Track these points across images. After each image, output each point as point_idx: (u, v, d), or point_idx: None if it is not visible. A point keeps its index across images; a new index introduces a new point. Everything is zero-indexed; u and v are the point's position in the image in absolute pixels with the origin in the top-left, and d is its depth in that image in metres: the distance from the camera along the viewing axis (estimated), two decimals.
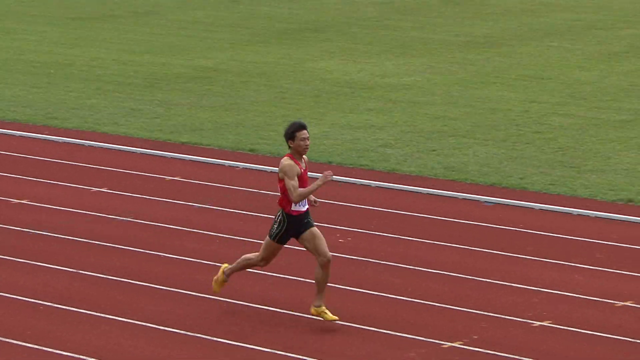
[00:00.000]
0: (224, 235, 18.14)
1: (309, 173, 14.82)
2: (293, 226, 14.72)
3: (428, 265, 16.84)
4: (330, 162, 21.81)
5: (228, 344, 14.29)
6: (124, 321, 14.90)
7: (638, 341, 14.32)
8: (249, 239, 17.75)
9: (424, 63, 30.26)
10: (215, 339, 14.41)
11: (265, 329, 14.70)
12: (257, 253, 15.10)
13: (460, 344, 14.28)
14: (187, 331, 14.59)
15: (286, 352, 14.00)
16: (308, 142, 14.74)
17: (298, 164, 14.62)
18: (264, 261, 14.97)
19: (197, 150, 22.79)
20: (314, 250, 14.65)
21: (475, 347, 14.20)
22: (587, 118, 24.68)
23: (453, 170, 21.25)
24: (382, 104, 26.04)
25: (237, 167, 21.80)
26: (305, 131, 14.70)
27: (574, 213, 19.04)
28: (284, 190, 14.64)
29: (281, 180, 14.63)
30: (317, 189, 14.59)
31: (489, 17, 36.84)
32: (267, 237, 14.86)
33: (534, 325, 14.82)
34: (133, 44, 33.06)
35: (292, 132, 14.68)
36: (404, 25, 35.57)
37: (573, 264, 16.87)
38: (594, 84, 27.72)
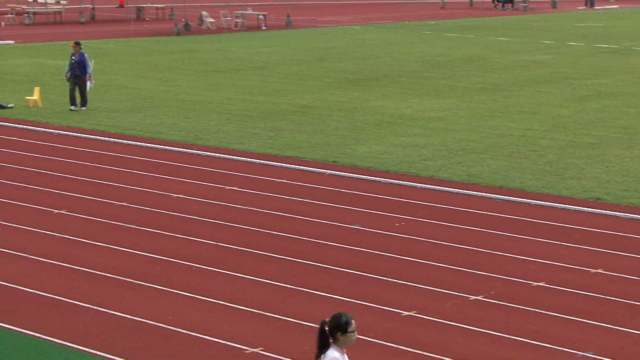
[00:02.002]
0: (316, 220, 18.05)
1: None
2: None
3: (457, 241, 16.65)
4: (388, 170, 21.67)
5: None
6: None
7: (607, 297, 14.07)
8: (329, 222, 17.64)
9: (452, 102, 30.04)
10: None
11: None
12: None
13: (483, 297, 14.10)
14: None
15: None
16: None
17: None
18: None
19: (297, 161, 22.73)
20: None
21: (493, 300, 14.02)
22: (566, 141, 24.35)
23: (474, 177, 21.04)
24: (423, 131, 25.87)
25: (324, 173, 21.72)
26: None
27: (559, 207, 18.77)
28: None
29: None
30: None
31: (495, 71, 36.55)
32: None
33: (533, 285, 14.61)
34: (252, 88, 33.09)
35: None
36: (437, 76, 35.36)
37: (559, 242, 16.62)
38: (571, 117, 27.38)
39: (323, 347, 8.44)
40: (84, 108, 28.85)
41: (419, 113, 28.27)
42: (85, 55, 29.10)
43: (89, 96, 29.21)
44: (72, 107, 28.85)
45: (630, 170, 21.25)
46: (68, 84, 29.06)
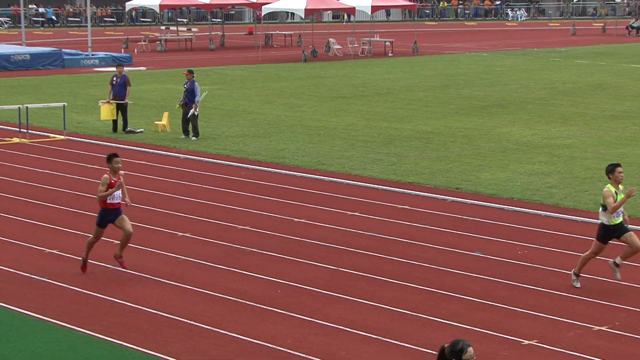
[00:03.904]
0: (439, 247, 17.98)
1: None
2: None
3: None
4: (512, 198, 21.45)
5: None
6: None
7: None
8: (450, 248, 17.54)
9: (579, 130, 29.58)
10: None
11: None
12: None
13: (606, 328, 13.79)
14: None
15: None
16: None
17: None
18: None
19: (420, 188, 22.70)
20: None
21: (617, 330, 13.70)
22: None
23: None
24: (549, 158, 25.53)
25: (446, 199, 21.63)
26: None
27: None
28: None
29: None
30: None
31: (627, 98, 35.82)
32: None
33: None
34: (375, 114, 33.22)
35: None
36: (565, 103, 34.86)
37: None
38: None
39: None
40: (194, 138, 28.62)
41: (545, 140, 27.92)
42: (196, 83, 28.82)
43: (200, 124, 29.16)
44: (183, 137, 28.96)
45: None
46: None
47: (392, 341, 13.37)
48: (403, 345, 13.23)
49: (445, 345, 8.49)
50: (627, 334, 13.55)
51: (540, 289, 15.48)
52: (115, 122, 30.55)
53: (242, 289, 15.47)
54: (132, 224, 16.12)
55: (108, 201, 15.89)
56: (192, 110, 28.64)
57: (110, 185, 15.89)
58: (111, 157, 16.03)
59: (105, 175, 15.93)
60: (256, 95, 38.01)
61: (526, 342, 13.31)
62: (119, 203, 15.99)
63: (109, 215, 15.97)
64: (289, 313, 14.47)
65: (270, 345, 13.23)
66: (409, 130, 29.91)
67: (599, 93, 37.12)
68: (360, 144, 27.94)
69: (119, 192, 15.96)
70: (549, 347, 13.13)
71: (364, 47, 54.63)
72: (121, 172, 16.14)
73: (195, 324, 14.03)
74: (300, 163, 25.48)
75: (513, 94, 37.11)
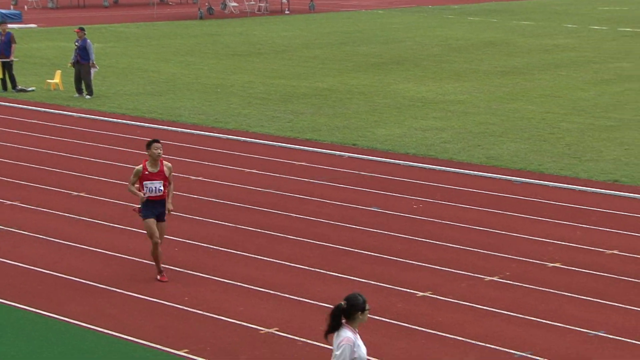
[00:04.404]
0: (335, 203, 18.15)
1: None
2: None
3: (475, 223, 16.71)
4: (407, 153, 21.72)
5: None
6: None
7: (621, 277, 14.10)
8: (347, 204, 17.74)
9: (472, 85, 30.02)
10: None
11: None
12: None
13: (498, 278, 14.17)
14: None
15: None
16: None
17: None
18: None
19: (317, 144, 22.81)
20: None
21: (508, 280, 14.08)
22: (586, 124, 24.33)
23: (493, 159, 21.07)
24: (443, 114, 25.89)
25: (343, 155, 21.79)
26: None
27: (576, 189, 18.79)
28: None
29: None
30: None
31: (517, 54, 36.45)
32: None
33: (548, 265, 14.66)
34: (273, 72, 33.17)
35: None
36: (458, 60, 35.30)
37: (576, 224, 16.65)
38: (591, 100, 27.32)
39: (335, 327, 8.54)
40: (89, 97, 28.21)
41: (439, 96, 28.28)
42: (88, 41, 28.37)
43: (95, 82, 28.87)
44: (77, 95, 28.52)
45: None
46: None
47: (290, 296, 13.49)
48: (301, 300, 13.36)
49: (342, 302, 8.57)
50: (517, 284, 13.92)
51: (434, 242, 15.77)
52: (3, 80, 29.88)
53: (138, 249, 15.39)
54: (22, 183, 15.76)
55: (146, 195, 13.77)
56: (92, 70, 28.23)
57: (143, 177, 13.73)
58: (150, 143, 13.82)
59: (139, 166, 13.90)
60: (151, 53, 37.57)
61: (421, 293, 13.57)
62: (162, 195, 13.79)
63: (152, 204, 13.73)
64: (187, 271, 14.47)
65: (167, 303, 13.23)
66: (306, 87, 29.97)
67: (491, 50, 37.67)
68: (258, 101, 27.90)
69: (158, 185, 13.76)
70: (442, 298, 13.41)
71: (260, 4, 54.35)
72: (167, 163, 13.89)
73: (92, 283, 13.95)
74: (197, 121, 25.34)
75: (408, 51, 37.43)
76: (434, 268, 14.57)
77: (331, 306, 12.62)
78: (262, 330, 12.42)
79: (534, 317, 12.74)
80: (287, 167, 20.73)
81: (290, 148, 22.46)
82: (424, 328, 12.40)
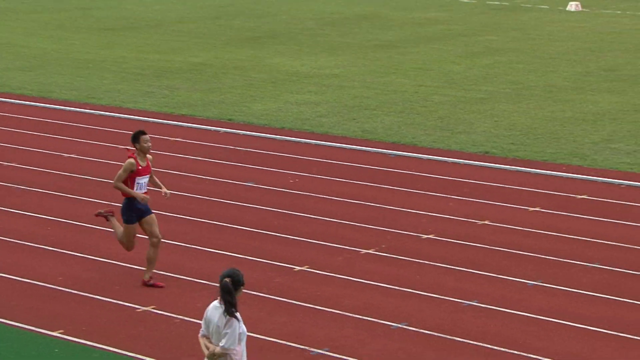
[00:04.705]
0: (212, 178, 18.05)
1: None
2: None
3: (351, 197, 16.85)
4: (283, 128, 21.75)
5: None
6: None
7: (492, 247, 14.44)
8: (223, 179, 17.69)
9: (346, 59, 30.19)
10: None
11: None
12: None
13: (374, 251, 14.34)
14: None
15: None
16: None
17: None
18: None
19: (192, 120, 22.64)
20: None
21: (384, 253, 14.26)
22: (457, 97, 24.74)
23: (368, 133, 21.26)
24: (318, 88, 25.97)
25: (219, 131, 21.68)
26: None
27: (449, 161, 19.12)
28: None
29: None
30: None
31: (390, 28, 36.77)
32: None
33: (422, 237, 14.89)
34: (146, 46, 32.71)
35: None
36: (332, 34, 35.42)
37: (449, 196, 16.95)
38: (462, 73, 27.77)
39: (234, 304, 8.52)
40: None
41: (314, 70, 28.35)
42: None
43: None
44: None
45: (517, 124, 21.73)
46: None
47: (167, 274, 13.39)
48: (178, 277, 13.28)
49: (226, 279, 8.56)
50: (393, 256, 14.11)
51: (311, 216, 15.86)
52: None
53: (13, 228, 15.05)
54: None
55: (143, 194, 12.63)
56: None
57: (136, 173, 12.55)
58: (138, 135, 12.67)
59: (131, 160, 12.60)
60: (19, 28, 36.60)
61: (298, 268, 13.65)
62: (146, 192, 12.70)
63: (137, 205, 12.57)
64: (60, 250, 14.22)
65: (40, 284, 12.99)
66: (180, 62, 29.66)
67: (365, 23, 37.92)
68: (131, 76, 27.50)
69: (147, 180, 12.70)
70: (320, 272, 13.51)
71: None
72: (149, 155, 12.80)
73: None
74: (69, 97, 24.84)
75: (282, 25, 37.38)
76: (311, 242, 14.65)
77: (209, 282, 12.62)
78: (139, 308, 12.30)
79: (410, 288, 12.94)
80: (162, 143, 20.51)
81: (165, 124, 22.22)
82: (302, 302, 12.47)
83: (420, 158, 19.30)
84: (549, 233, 14.93)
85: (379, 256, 14.10)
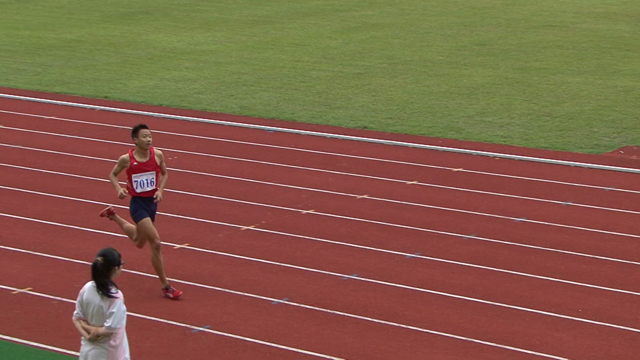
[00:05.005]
0: (87, 157, 17.72)
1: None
2: None
3: (230, 173, 16.78)
4: (161, 105, 21.49)
5: None
6: None
7: (371, 221, 14.56)
8: (99, 158, 17.40)
9: (224, 35, 29.99)
10: None
11: None
12: None
13: (254, 227, 14.31)
14: None
15: None
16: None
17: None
18: None
19: (66, 97, 22.18)
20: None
21: (264, 229, 14.25)
22: (335, 72, 24.84)
23: (246, 109, 21.18)
24: (195, 64, 25.74)
25: (95, 108, 21.30)
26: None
27: (328, 136, 19.19)
28: None
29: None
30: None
31: (267, 3, 36.66)
32: None
33: (302, 212, 14.93)
34: (17, 22, 31.88)
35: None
36: (209, 9, 35.12)
37: (327, 171, 17.01)
38: (339, 49, 27.89)
39: (106, 284, 8.40)
40: None
41: (191, 46, 28.09)
42: None
43: None
44: None
45: (394, 99, 21.95)
46: None
47: (43, 254, 13.12)
48: (54, 258, 13.02)
49: (99, 259, 8.42)
50: (273, 232, 14.10)
51: (190, 193, 15.73)
52: None
53: None
54: None
55: (138, 190, 11.72)
56: None
57: (130, 169, 11.66)
58: (138, 129, 11.74)
59: (125, 156, 11.81)
60: None
61: (178, 246, 13.53)
62: (153, 191, 11.79)
63: (145, 203, 11.70)
64: None
65: None
66: (53, 38, 28.99)
67: None
68: (2, 53, 26.76)
69: (150, 177, 11.76)
70: (199, 249, 13.42)
71: None
72: (157, 151, 11.84)
73: None
74: None
75: (157, 0, 36.90)
76: (191, 219, 14.53)
77: (86, 262, 12.39)
78: (14, 290, 12.02)
79: (290, 264, 12.96)
80: (36, 122, 20.06)
81: (38, 102, 21.72)
82: (181, 280, 12.36)
83: (299, 133, 19.32)
84: (427, 206, 15.14)
85: (259, 232, 14.08)
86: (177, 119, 20.40)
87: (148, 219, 11.77)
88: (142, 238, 12.00)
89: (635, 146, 18.22)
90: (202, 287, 12.21)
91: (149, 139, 11.71)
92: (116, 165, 11.91)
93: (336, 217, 14.69)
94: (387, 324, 11.17)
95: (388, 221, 14.48)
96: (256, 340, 10.78)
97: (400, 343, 10.67)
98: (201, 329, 11.12)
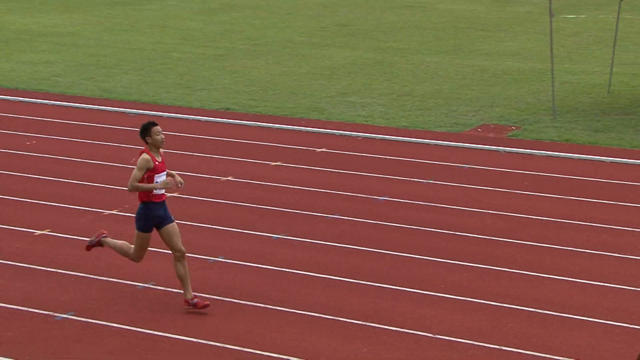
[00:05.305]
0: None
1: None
2: None
3: (90, 157, 16.47)
4: (17, 88, 20.95)
5: None
6: None
7: (236, 203, 14.52)
8: (8, 150, 16.88)
9: (81, 17, 29.44)
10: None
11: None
12: None
13: (117, 211, 14.12)
14: None
15: None
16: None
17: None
18: None
19: None
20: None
21: (127, 213, 14.07)
22: (196, 53, 24.67)
23: (106, 92, 20.85)
24: (53, 46, 25.19)
25: None
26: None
27: (190, 118, 19.01)
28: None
29: None
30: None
31: None
32: None
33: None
34: None
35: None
36: None
37: (193, 153, 16.88)
38: (200, 30, 27.71)
39: None
40: None
41: (48, 28, 27.46)
42: None
43: None
44: None
45: (256, 80, 21.94)
46: None
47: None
48: None
49: None
50: (133, 215, 13.89)
51: (50, 178, 15.38)
52: None
53: None
54: None
55: (156, 193, 10.72)
56: None
57: (154, 170, 10.56)
58: (149, 127, 10.55)
59: (146, 156, 10.56)
60: None
61: (39, 232, 13.23)
62: (163, 195, 10.83)
63: (156, 211, 10.66)
64: None
65: None
66: None
67: None
68: None
69: (163, 178, 10.80)
70: (62, 235, 13.16)
71: None
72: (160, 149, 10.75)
73: None
74: None
75: None
76: (52, 205, 14.23)
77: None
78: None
79: (156, 248, 12.81)
80: None
81: None
82: (44, 267, 12.10)
83: (161, 116, 19.11)
84: (291, 186, 15.19)
85: (122, 217, 13.88)
86: (35, 103, 19.93)
87: (150, 234, 10.82)
88: (140, 249, 11.02)
89: (492, 124, 18.69)
90: (65, 273, 11.98)
91: (162, 135, 10.60)
92: (136, 170, 10.54)
93: (201, 200, 14.61)
94: (255, 305, 11.18)
95: (253, 202, 14.47)
96: (121, 326, 10.64)
97: (268, 324, 10.70)
98: (65, 315, 10.90)
